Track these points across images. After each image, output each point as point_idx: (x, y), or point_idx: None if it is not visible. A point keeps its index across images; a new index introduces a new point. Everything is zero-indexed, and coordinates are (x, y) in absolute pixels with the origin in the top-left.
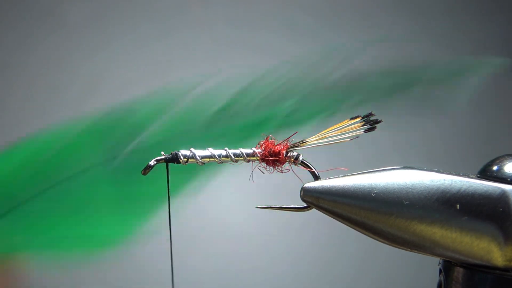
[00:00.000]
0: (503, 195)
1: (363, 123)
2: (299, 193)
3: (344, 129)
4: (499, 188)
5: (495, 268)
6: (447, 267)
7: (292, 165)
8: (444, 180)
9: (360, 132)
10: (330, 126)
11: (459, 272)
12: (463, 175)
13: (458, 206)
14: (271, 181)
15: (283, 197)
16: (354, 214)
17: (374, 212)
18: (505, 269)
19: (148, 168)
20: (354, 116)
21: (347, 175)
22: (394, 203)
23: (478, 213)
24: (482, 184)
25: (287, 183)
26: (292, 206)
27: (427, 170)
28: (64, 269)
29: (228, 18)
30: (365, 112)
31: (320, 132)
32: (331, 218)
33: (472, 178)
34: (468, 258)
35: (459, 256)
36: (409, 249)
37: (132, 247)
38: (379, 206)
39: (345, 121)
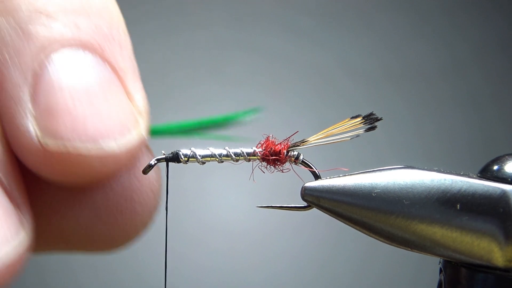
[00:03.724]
0: (503, 195)
1: (364, 122)
2: (299, 193)
3: (344, 128)
4: (499, 188)
5: (495, 268)
6: (447, 267)
7: (293, 165)
8: (445, 180)
9: (361, 131)
10: (331, 126)
11: (459, 272)
12: (463, 175)
13: (458, 206)
14: (272, 181)
15: (284, 197)
16: (354, 213)
17: (375, 211)
18: (506, 269)
19: (149, 167)
20: (354, 115)
21: (348, 175)
22: (395, 202)
23: (478, 213)
24: (483, 184)
25: (288, 183)
26: (292, 205)
27: (427, 169)
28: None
29: (228, 18)
30: (365, 112)
31: (320, 131)
32: (332, 218)
33: (472, 178)
34: (468, 258)
35: (459, 256)
36: (409, 249)
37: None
38: (380, 205)
39: (346, 120)
